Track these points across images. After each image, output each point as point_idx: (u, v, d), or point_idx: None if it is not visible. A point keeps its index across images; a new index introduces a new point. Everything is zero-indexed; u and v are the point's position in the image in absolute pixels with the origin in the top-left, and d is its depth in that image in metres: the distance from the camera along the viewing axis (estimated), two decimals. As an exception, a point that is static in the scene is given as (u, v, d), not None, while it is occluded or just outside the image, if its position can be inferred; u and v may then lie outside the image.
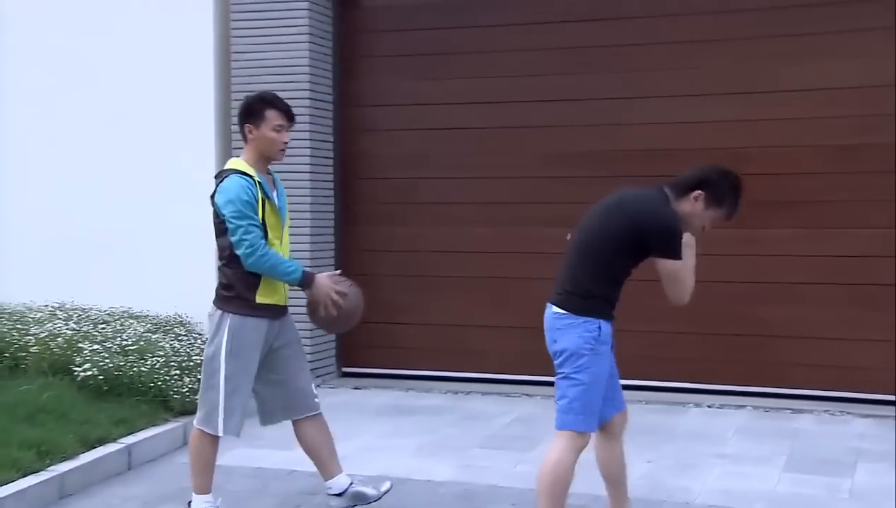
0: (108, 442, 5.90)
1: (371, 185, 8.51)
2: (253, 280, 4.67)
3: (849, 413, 6.96)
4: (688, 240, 4.25)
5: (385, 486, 5.07)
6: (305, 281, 4.73)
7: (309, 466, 5.89)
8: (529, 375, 7.84)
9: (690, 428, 6.68)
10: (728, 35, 7.48)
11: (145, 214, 8.35)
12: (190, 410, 6.60)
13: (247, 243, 4.58)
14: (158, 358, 6.61)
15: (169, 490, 5.54)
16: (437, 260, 8.29)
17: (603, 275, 4.24)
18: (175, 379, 6.53)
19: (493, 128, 8.09)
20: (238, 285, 4.67)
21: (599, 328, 4.21)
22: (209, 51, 8.25)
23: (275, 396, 4.93)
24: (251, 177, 4.67)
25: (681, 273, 4.19)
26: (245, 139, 4.79)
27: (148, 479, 5.76)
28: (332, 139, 8.42)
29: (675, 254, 4.16)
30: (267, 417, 5.01)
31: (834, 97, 7.23)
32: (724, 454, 6.04)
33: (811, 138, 7.29)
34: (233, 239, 4.61)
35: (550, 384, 7.69)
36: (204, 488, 4.87)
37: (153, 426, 6.30)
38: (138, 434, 6.13)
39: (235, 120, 8.15)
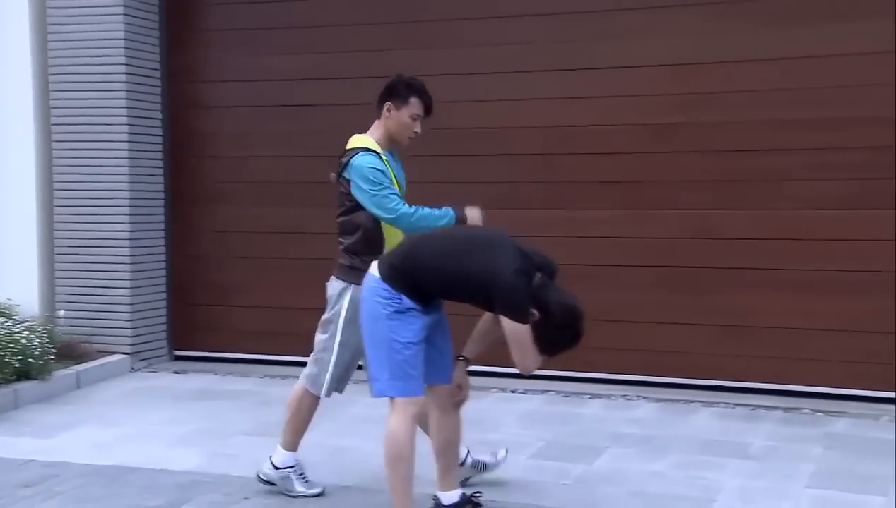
0: None
1: (203, 164, 8.27)
2: (369, 254, 4.71)
3: (644, 397, 6.67)
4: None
5: None
6: (460, 218, 4.74)
7: (47, 456, 5.66)
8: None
9: (476, 414, 6.28)
10: (549, 10, 7.21)
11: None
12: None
13: (392, 208, 4.65)
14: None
15: None
16: (270, 241, 8.06)
17: (433, 280, 4.22)
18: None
19: (324, 105, 7.83)
20: (359, 258, 4.78)
21: (400, 299, 4.20)
22: (24, 23, 7.94)
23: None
24: (378, 153, 4.77)
25: (525, 339, 4.08)
26: (379, 115, 4.88)
27: None
28: (160, 116, 8.16)
29: (517, 315, 4.06)
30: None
31: (651, 75, 6.98)
32: (486, 440, 5.74)
33: (628, 117, 7.05)
34: (379, 210, 4.67)
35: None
36: (292, 445, 5.01)
37: None
38: None
39: (53, 97, 8.01)
